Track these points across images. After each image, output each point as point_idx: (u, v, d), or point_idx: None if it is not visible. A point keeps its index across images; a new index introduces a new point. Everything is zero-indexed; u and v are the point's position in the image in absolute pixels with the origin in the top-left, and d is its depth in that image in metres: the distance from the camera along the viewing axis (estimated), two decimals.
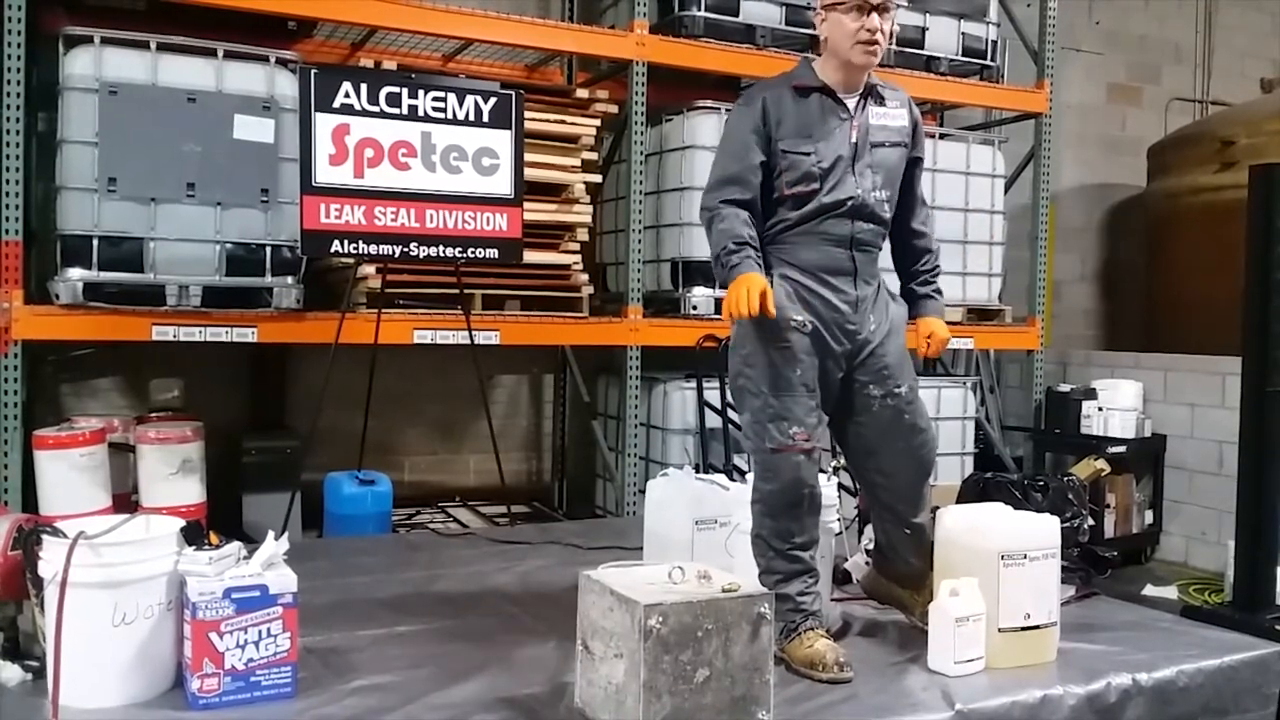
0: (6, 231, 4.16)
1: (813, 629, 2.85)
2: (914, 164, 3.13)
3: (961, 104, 6.72)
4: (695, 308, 5.40)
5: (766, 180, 2.94)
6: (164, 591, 2.47)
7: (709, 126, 5.39)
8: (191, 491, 4.37)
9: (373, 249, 4.38)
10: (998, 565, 2.86)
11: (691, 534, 3.30)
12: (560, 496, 6.36)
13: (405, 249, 4.42)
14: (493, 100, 4.56)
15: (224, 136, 4.40)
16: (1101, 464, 5.86)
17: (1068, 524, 3.75)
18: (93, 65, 4.23)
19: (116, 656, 2.41)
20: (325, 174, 4.27)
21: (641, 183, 5.41)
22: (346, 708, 2.48)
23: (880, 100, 3.03)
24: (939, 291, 3.19)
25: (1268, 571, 4.23)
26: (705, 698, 2.31)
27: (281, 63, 4.57)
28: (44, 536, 2.43)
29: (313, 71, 4.31)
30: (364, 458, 4.88)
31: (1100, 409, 6.34)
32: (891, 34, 3.04)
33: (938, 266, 3.20)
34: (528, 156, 4.78)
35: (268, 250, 4.50)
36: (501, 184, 4.59)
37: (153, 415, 4.90)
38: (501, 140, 4.58)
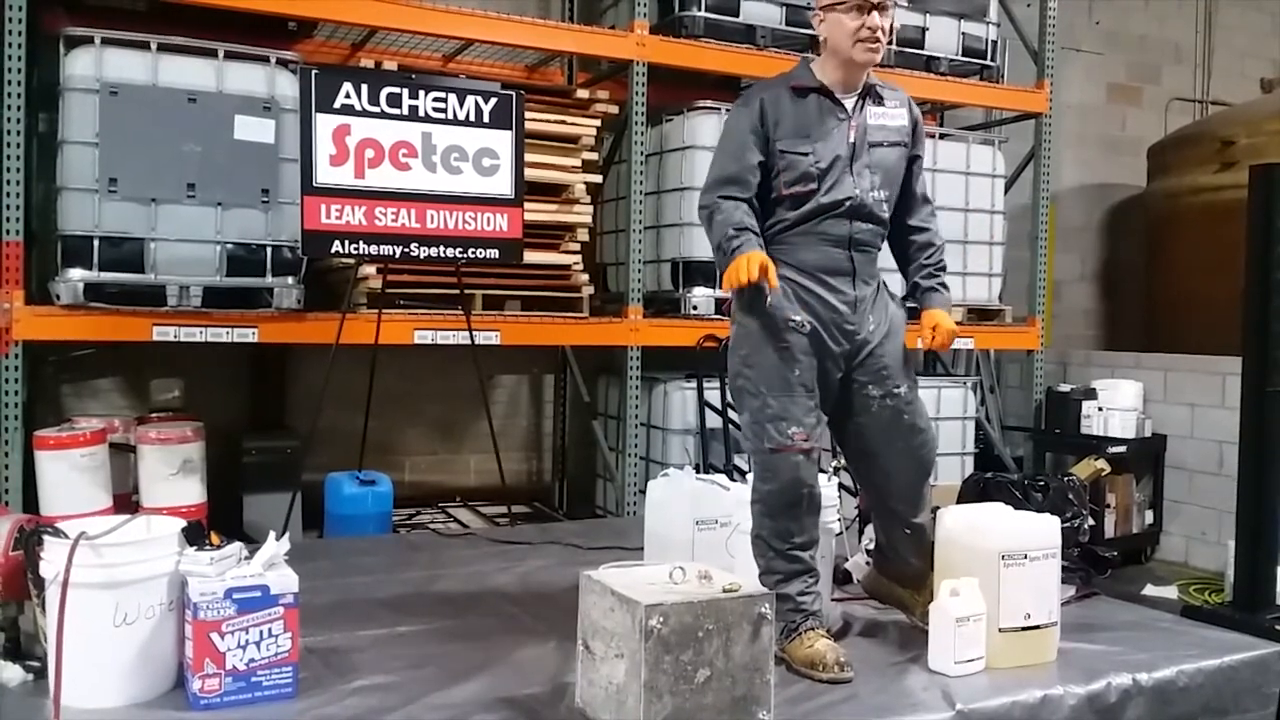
0: (7, 232, 4.17)
1: (813, 629, 2.85)
2: (914, 162, 3.13)
3: (961, 104, 6.72)
4: (695, 308, 5.40)
5: (764, 181, 2.94)
6: (165, 592, 2.47)
7: (709, 127, 5.39)
8: (192, 492, 4.37)
9: (373, 249, 4.38)
10: (998, 565, 2.86)
11: (692, 534, 3.30)
12: (560, 497, 6.37)
13: (406, 249, 4.42)
14: (493, 101, 4.56)
15: (224, 137, 4.40)
16: (1102, 464, 5.87)
17: (1068, 524, 3.76)
18: (93, 66, 4.23)
19: (118, 657, 2.42)
20: (326, 174, 4.27)
21: (642, 183, 5.41)
22: (347, 708, 2.49)
23: (879, 100, 3.03)
24: (945, 285, 3.14)
25: (1268, 571, 4.24)
26: (706, 698, 2.31)
27: (282, 63, 4.57)
28: (45, 537, 2.44)
29: (313, 72, 4.31)
30: (364, 458, 4.88)
31: (1100, 409, 6.34)
32: (891, 31, 3.03)
33: (943, 260, 3.16)
34: (528, 157, 4.78)
35: (268, 251, 4.50)
36: (502, 184, 4.59)
37: (153, 415, 4.90)
38: (502, 141, 4.58)
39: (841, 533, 3.42)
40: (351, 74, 4.64)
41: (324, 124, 4.26)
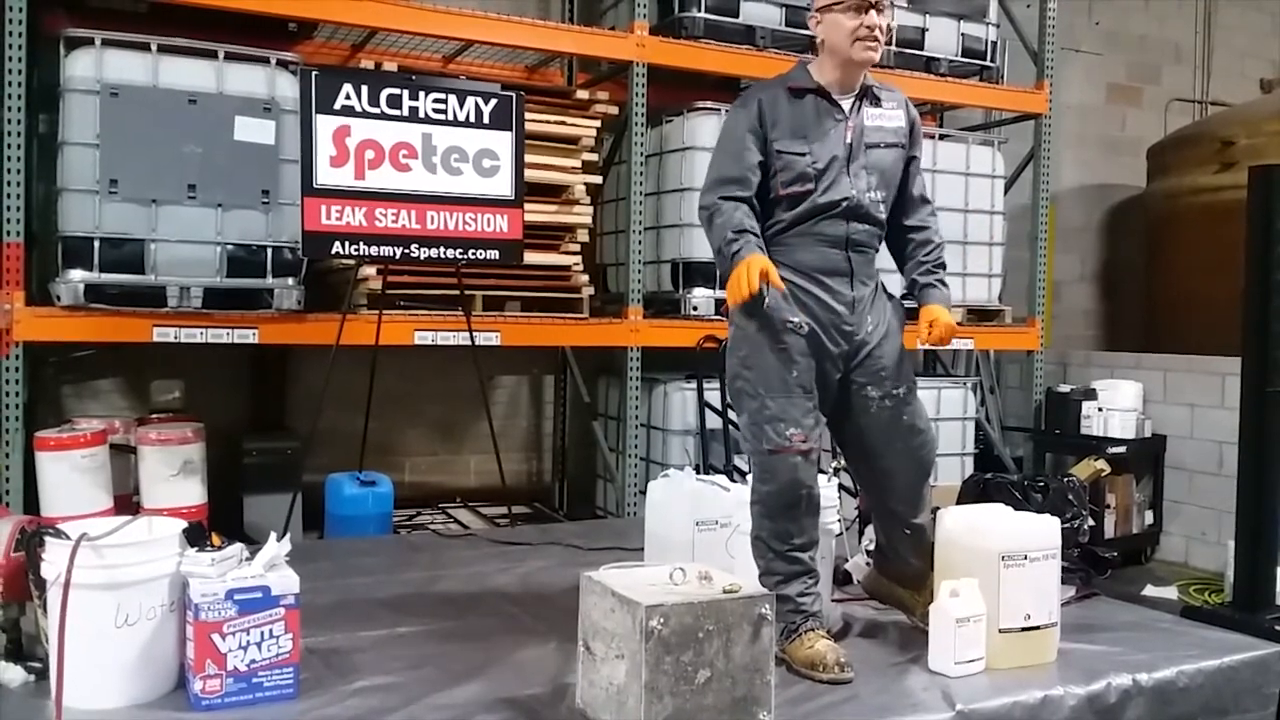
0: (8, 233, 4.17)
1: (813, 630, 2.85)
2: (911, 163, 3.13)
3: (961, 105, 6.73)
4: (695, 308, 5.41)
5: (763, 181, 2.94)
6: (166, 593, 2.48)
7: (709, 127, 5.39)
8: (192, 493, 4.37)
9: (374, 250, 4.39)
10: (998, 566, 2.87)
11: (692, 535, 3.31)
12: (561, 497, 6.37)
13: (406, 250, 4.43)
14: (493, 102, 4.57)
15: (225, 138, 4.40)
16: (1101, 464, 5.87)
17: (1068, 524, 3.76)
18: (94, 67, 4.24)
19: (119, 658, 2.42)
20: (326, 175, 4.27)
21: (642, 184, 5.42)
22: (348, 708, 2.49)
23: (876, 101, 3.04)
24: (943, 282, 3.11)
25: (1268, 572, 4.24)
26: (706, 698, 2.32)
27: (282, 64, 4.58)
28: (47, 538, 2.44)
29: (314, 73, 4.31)
30: (365, 459, 4.88)
31: (1100, 409, 6.34)
32: (889, 30, 3.04)
33: (942, 258, 3.14)
34: (528, 158, 4.78)
35: (268, 252, 4.51)
36: (502, 185, 4.59)
37: (154, 416, 4.90)
38: (502, 142, 4.58)
39: (841, 533, 3.42)
40: (352, 75, 4.64)
41: (324, 125, 4.26)
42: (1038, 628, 2.91)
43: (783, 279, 2.86)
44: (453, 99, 4.50)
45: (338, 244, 4.33)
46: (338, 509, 4.78)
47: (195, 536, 2.56)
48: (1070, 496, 4.17)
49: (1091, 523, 4.50)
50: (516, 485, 6.07)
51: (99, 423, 4.37)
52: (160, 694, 2.49)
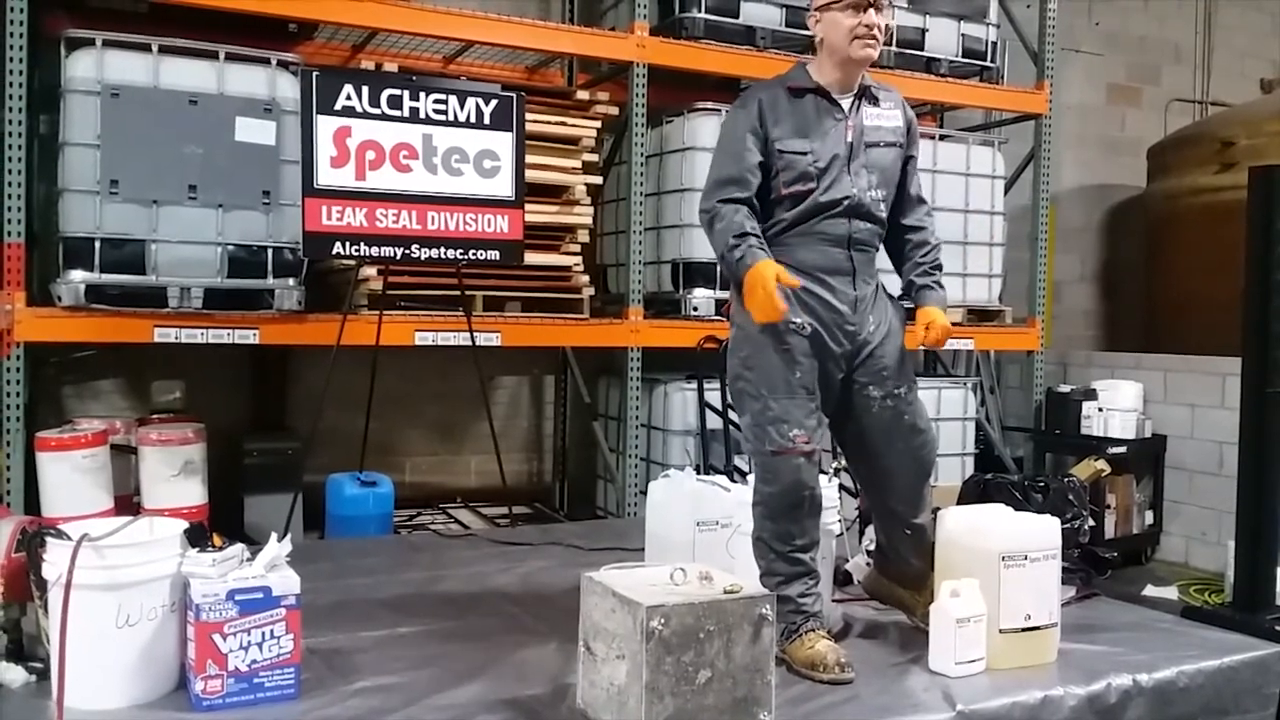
0: (9, 234, 4.17)
1: (814, 630, 2.85)
2: (909, 163, 3.13)
3: (961, 105, 6.73)
4: (696, 309, 5.41)
5: (764, 181, 2.94)
6: (168, 593, 2.48)
7: (709, 128, 5.39)
8: (193, 493, 4.37)
9: (374, 251, 4.39)
10: (998, 566, 2.87)
11: (693, 535, 3.30)
12: (561, 498, 6.37)
13: (407, 251, 4.43)
14: (494, 102, 4.57)
15: (225, 139, 4.41)
16: (1102, 465, 5.87)
17: (1068, 525, 3.76)
18: (94, 68, 4.24)
19: (120, 658, 2.42)
20: (327, 176, 4.27)
21: (642, 184, 5.42)
22: (349, 709, 2.49)
23: (874, 101, 3.04)
24: (940, 284, 3.12)
25: (1268, 572, 4.24)
26: (707, 699, 2.32)
27: (283, 65, 4.58)
28: (48, 539, 2.44)
29: (314, 74, 4.31)
30: (365, 459, 4.89)
31: (1100, 409, 6.34)
32: (888, 30, 3.04)
33: (939, 259, 3.15)
34: (528, 158, 4.78)
35: (269, 252, 4.51)
36: (502, 186, 4.59)
37: (154, 417, 4.91)
38: (503, 142, 4.59)
39: (842, 534, 3.43)
40: (352, 76, 4.64)
41: (325, 126, 4.26)
42: (1038, 628, 2.92)
43: None
44: (453, 100, 4.50)
45: (338, 244, 4.33)
46: (338, 509, 4.78)
47: (196, 537, 2.56)
48: (1070, 497, 4.17)
49: (1092, 523, 4.50)
50: (517, 485, 6.07)
51: (100, 423, 4.37)
52: (161, 694, 2.49)
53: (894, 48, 5.90)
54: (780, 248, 2.93)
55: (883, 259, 3.12)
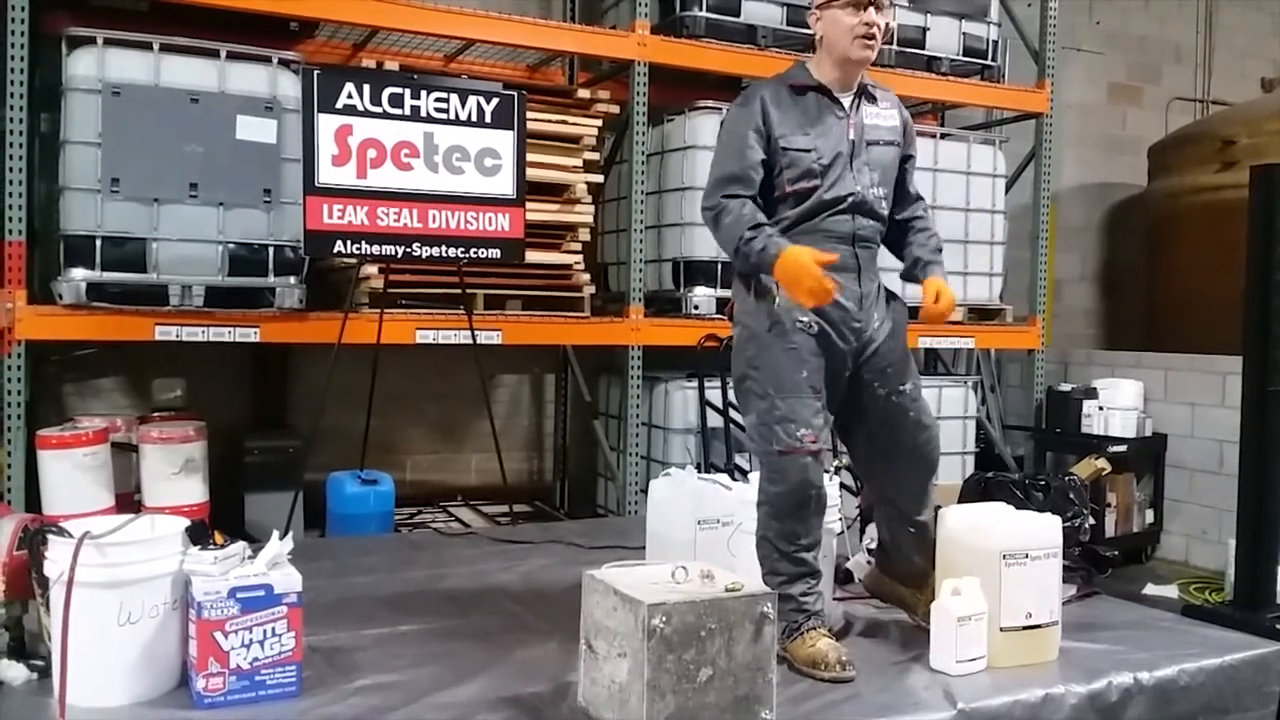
0: (10, 232, 4.18)
1: (815, 628, 2.85)
2: (907, 161, 3.15)
3: (962, 104, 6.73)
4: (696, 307, 5.41)
5: (766, 179, 2.94)
6: (169, 591, 2.48)
7: (710, 126, 5.39)
8: (194, 491, 4.38)
9: (375, 249, 4.39)
10: (999, 565, 2.87)
11: (694, 533, 3.30)
12: (562, 496, 6.37)
13: (408, 249, 4.43)
14: (495, 101, 4.57)
15: (227, 137, 4.41)
16: (1102, 463, 5.87)
17: (1069, 523, 3.76)
18: (96, 66, 4.24)
19: (122, 656, 2.42)
20: (328, 174, 4.27)
21: (643, 182, 5.42)
22: (351, 707, 2.50)
23: (872, 100, 3.06)
24: (941, 264, 3.08)
25: (1268, 570, 4.24)
26: (708, 697, 2.32)
27: (284, 63, 4.58)
28: (50, 536, 2.44)
29: (316, 72, 4.31)
30: (366, 457, 4.88)
31: (1101, 408, 6.34)
32: (888, 29, 3.05)
33: (940, 244, 3.13)
34: (530, 156, 4.78)
35: (270, 250, 4.51)
36: (504, 184, 4.59)
37: (155, 415, 4.91)
38: (504, 141, 4.59)
39: (843, 532, 3.42)
40: (354, 74, 4.64)
41: (326, 124, 4.26)
42: (1039, 626, 2.92)
43: None
44: (454, 98, 4.50)
45: (339, 243, 4.33)
46: (339, 507, 4.78)
47: (198, 535, 2.57)
48: (1071, 495, 4.18)
49: (1092, 521, 4.50)
50: (518, 484, 6.07)
51: (101, 421, 4.39)
52: (163, 692, 2.49)
53: (895, 46, 5.90)
54: None
55: (884, 258, 3.13)
